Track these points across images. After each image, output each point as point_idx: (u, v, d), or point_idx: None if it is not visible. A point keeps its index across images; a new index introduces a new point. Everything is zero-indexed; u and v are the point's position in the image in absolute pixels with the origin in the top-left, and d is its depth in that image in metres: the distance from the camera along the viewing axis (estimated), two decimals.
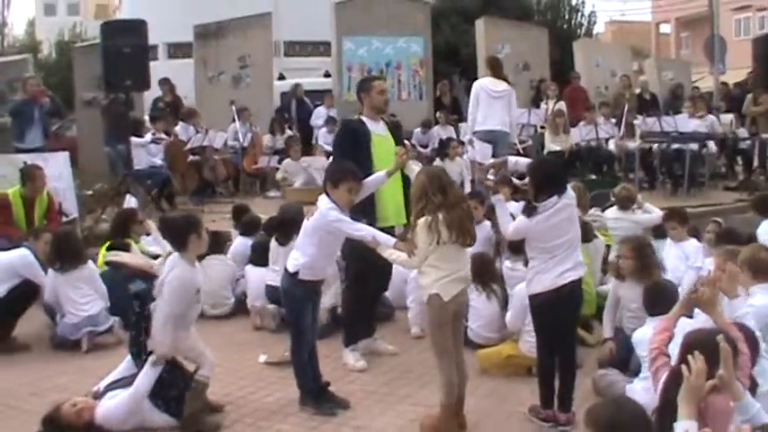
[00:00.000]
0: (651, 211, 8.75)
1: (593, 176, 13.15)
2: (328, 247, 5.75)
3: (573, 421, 5.41)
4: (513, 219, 5.41)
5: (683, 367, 3.55)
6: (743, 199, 12.62)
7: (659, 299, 5.63)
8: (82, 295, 7.52)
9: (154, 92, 14.85)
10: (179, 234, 5.59)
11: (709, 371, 3.67)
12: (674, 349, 4.34)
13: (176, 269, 5.46)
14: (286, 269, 5.77)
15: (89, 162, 12.43)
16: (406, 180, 6.68)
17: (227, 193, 14.27)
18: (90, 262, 7.82)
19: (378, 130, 6.90)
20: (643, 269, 6.31)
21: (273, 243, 8.09)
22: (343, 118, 8.80)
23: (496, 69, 11.08)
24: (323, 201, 5.63)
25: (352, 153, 6.50)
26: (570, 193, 5.31)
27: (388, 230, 6.10)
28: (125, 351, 6.17)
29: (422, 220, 5.16)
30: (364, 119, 6.94)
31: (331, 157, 12.97)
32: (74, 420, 5.42)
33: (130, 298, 5.76)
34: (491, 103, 10.79)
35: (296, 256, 5.71)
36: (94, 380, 6.00)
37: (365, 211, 6.16)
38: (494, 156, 10.81)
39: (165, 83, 14.90)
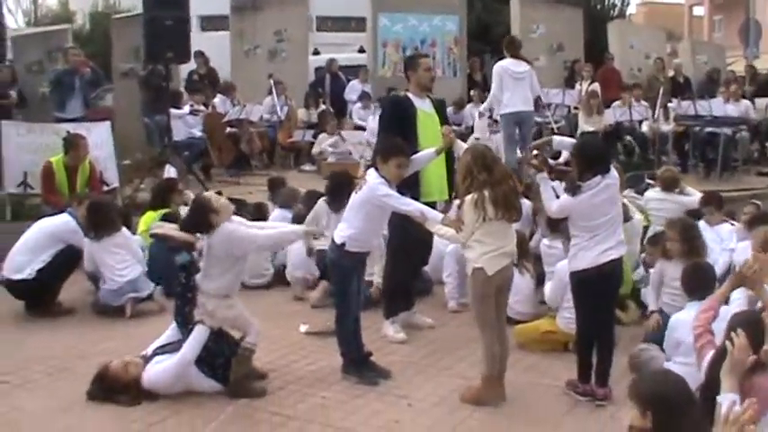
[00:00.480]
0: (692, 194, 8.82)
1: (623, 158, 13.21)
2: (375, 220, 5.86)
3: (610, 396, 5.55)
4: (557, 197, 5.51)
5: (727, 343, 3.64)
6: None
7: (699, 280, 5.71)
8: (119, 260, 7.70)
9: (189, 64, 14.94)
10: (197, 220, 5.74)
11: (753, 349, 3.77)
12: (717, 328, 4.46)
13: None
14: (333, 240, 5.90)
15: (125, 132, 12.53)
16: (449, 157, 6.78)
17: (262, 166, 14.38)
18: (124, 229, 8.01)
19: (424, 107, 6.99)
20: (690, 251, 6.40)
21: (324, 208, 8.21)
22: (391, 94, 8.87)
23: (516, 50, 11.19)
24: (372, 175, 5.75)
25: (399, 129, 6.60)
26: (613, 173, 5.41)
27: (431, 206, 6.18)
28: (168, 317, 6.38)
29: (469, 197, 5.28)
30: (410, 95, 7.03)
31: (365, 133, 13.26)
32: (121, 374, 5.63)
33: (175, 268, 5.88)
34: (515, 84, 10.99)
35: (343, 228, 5.84)
36: (140, 345, 6.15)
37: (409, 185, 6.25)
38: (519, 134, 11.06)
39: (200, 56, 15.00)
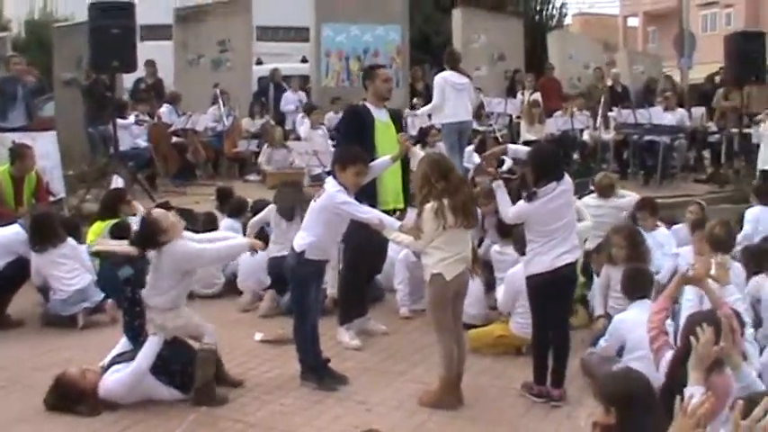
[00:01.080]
0: (626, 195, 9.05)
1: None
2: (334, 228, 5.95)
3: (564, 397, 5.70)
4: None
5: (692, 338, 3.79)
6: (713, 191, 13.02)
7: (636, 283, 5.91)
8: (67, 270, 7.61)
9: (132, 74, 14.80)
10: (145, 240, 5.74)
11: None
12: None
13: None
14: (293, 248, 5.96)
15: (67, 143, 12.30)
16: (405, 165, 6.89)
17: (207, 176, 14.32)
18: (70, 239, 7.88)
19: (381, 117, 7.10)
20: (635, 257, 6.58)
21: (274, 215, 8.25)
22: (350, 104, 8.93)
23: (455, 62, 11.40)
24: (330, 183, 5.83)
25: (357, 138, 6.71)
26: (567, 179, 5.58)
27: (388, 214, 6.28)
28: (120, 327, 6.37)
29: (428, 206, 5.40)
30: (368, 105, 7.15)
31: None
32: (78, 380, 5.61)
33: (121, 283, 5.87)
34: (457, 95, 11.16)
35: (302, 236, 5.91)
36: (94, 356, 6.14)
37: (366, 194, 6.34)
38: (459, 144, 11.26)
39: (151, 65, 14.90)
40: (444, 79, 11.20)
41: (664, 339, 4.61)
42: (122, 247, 5.80)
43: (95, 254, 6.54)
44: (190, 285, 6.07)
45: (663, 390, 4.08)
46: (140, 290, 5.71)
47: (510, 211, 5.61)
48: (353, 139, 6.68)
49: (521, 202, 5.55)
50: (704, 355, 3.77)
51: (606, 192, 8.92)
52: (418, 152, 6.29)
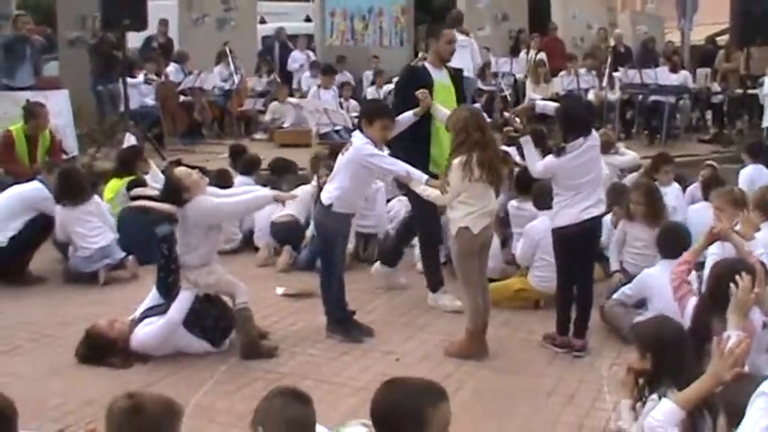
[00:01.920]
0: (626, 154, 9.15)
1: None
2: (361, 180, 6.02)
3: (587, 347, 5.83)
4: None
5: (732, 285, 3.91)
6: (717, 151, 13.14)
7: (674, 240, 5.98)
8: (92, 228, 7.69)
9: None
10: (170, 198, 5.87)
11: None
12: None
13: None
14: (320, 201, 6.05)
15: (73, 102, 12.39)
16: None
17: (213, 134, 14.38)
18: (96, 196, 8.02)
19: (441, 78, 6.87)
20: (653, 213, 6.69)
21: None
22: (409, 64, 8.79)
23: (457, 23, 11.68)
24: (357, 136, 5.91)
25: (414, 100, 6.42)
26: (595, 134, 5.68)
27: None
28: (143, 283, 6.49)
29: (456, 160, 5.49)
30: (428, 66, 6.94)
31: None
32: (106, 331, 5.73)
33: (150, 238, 5.92)
34: (456, 53, 11.19)
35: (329, 189, 5.99)
36: (119, 311, 6.27)
37: (419, 158, 6.34)
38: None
39: (164, 24, 14.86)
40: None
41: (687, 288, 4.77)
42: (161, 204, 5.85)
43: (133, 208, 6.52)
44: (218, 241, 6.16)
45: (690, 334, 4.22)
46: (176, 247, 5.79)
47: (538, 165, 5.70)
48: (409, 101, 6.44)
49: (549, 157, 5.64)
50: (744, 301, 3.89)
51: (604, 148, 8.97)
52: (440, 107, 6.34)
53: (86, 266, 7.65)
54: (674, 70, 14.23)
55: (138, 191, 7.88)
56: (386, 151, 6.12)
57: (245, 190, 6.77)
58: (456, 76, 7.09)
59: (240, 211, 6.60)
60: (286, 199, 6.44)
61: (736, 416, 3.02)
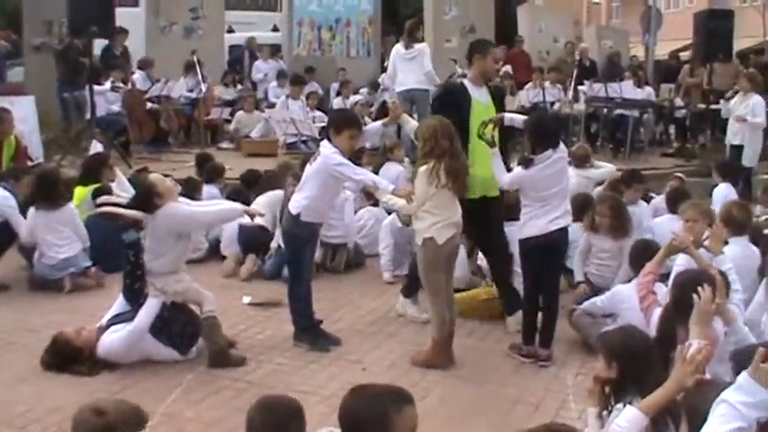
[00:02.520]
0: (601, 167, 9.24)
1: None
2: (329, 190, 6.04)
3: (552, 357, 5.90)
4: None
5: (694, 295, 3.99)
6: (680, 164, 13.33)
7: (645, 257, 6.04)
8: (61, 237, 7.63)
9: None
10: (142, 203, 5.84)
11: None
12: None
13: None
14: (289, 211, 6.06)
15: (39, 108, 12.30)
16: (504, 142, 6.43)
17: (178, 143, 14.32)
18: (71, 203, 7.96)
19: (479, 96, 6.55)
20: (619, 227, 6.79)
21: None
22: (447, 80, 8.71)
23: (409, 35, 11.75)
24: (326, 146, 5.93)
25: (450, 118, 6.04)
26: (562, 147, 5.76)
27: (475, 203, 6.23)
28: (108, 291, 6.47)
29: (422, 168, 5.55)
30: (467, 83, 6.67)
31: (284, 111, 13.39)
32: (73, 338, 5.69)
33: (116, 246, 5.91)
34: (405, 65, 11.56)
35: (298, 198, 6.01)
36: (86, 318, 6.22)
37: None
38: (417, 112, 11.41)
39: (122, 32, 14.75)
40: (395, 50, 11.78)
41: (652, 298, 4.87)
42: (130, 210, 5.82)
43: (100, 214, 6.49)
44: (187, 250, 6.14)
45: (655, 343, 4.30)
46: (143, 254, 5.77)
47: (506, 177, 5.77)
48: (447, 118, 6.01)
49: (517, 169, 5.71)
50: (706, 312, 3.98)
51: (581, 162, 9.09)
52: (409, 119, 6.39)
53: (51, 274, 7.59)
54: (638, 85, 14.40)
55: (104, 198, 7.83)
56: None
57: (215, 202, 6.79)
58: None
59: (210, 221, 6.62)
60: (255, 214, 6.45)
61: (698, 422, 3.08)
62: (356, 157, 7.36)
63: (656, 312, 4.61)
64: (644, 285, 4.92)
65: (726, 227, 5.81)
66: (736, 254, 5.65)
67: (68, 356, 5.65)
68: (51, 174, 8.02)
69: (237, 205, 6.58)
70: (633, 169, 9.01)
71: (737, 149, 11.32)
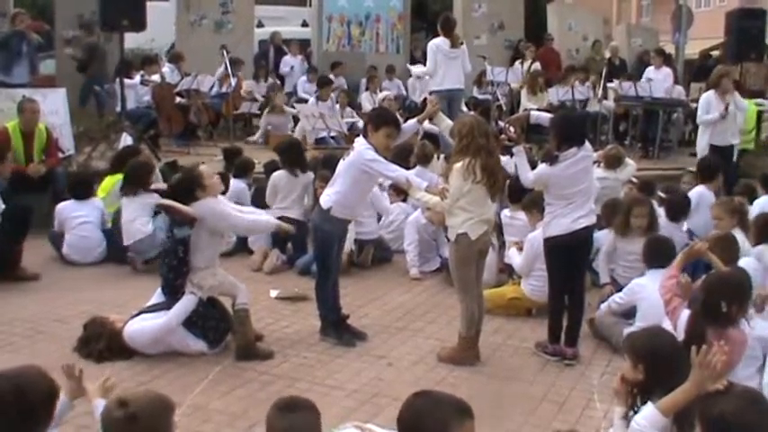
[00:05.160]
0: (626, 164, 9.20)
1: None
2: (361, 185, 6.04)
3: (578, 356, 5.89)
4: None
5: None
6: None
7: (660, 252, 6.08)
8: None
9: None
10: (184, 191, 5.89)
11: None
12: None
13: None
14: (319, 205, 6.09)
15: (71, 100, 12.39)
16: None
17: (206, 137, 14.38)
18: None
19: None
20: (651, 229, 6.82)
21: (282, 178, 8.47)
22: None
23: (450, 30, 11.60)
24: (360, 142, 5.93)
25: None
26: (588, 145, 5.73)
27: None
28: (139, 283, 6.51)
29: (458, 165, 5.54)
30: None
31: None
32: (105, 325, 5.81)
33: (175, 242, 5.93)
34: (448, 64, 11.47)
35: (329, 193, 6.02)
36: (114, 308, 6.34)
37: None
38: (449, 111, 11.42)
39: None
40: (437, 46, 11.50)
41: (678, 302, 4.82)
42: (187, 207, 5.82)
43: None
44: (221, 246, 6.21)
45: (684, 346, 4.27)
46: (190, 251, 5.81)
47: (530, 174, 5.76)
48: None
49: (542, 166, 5.70)
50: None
51: (613, 163, 9.06)
52: (444, 118, 6.38)
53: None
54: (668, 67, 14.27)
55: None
56: None
57: (251, 209, 6.80)
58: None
59: (242, 227, 6.57)
60: (287, 231, 6.48)
61: (720, 425, 3.07)
62: (403, 157, 7.45)
63: (684, 314, 4.57)
64: (668, 288, 4.88)
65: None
66: None
67: (99, 345, 5.72)
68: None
69: (272, 219, 6.60)
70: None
71: None
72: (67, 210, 8.38)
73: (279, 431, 3.13)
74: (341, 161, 6.08)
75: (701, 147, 10.83)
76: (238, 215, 6.11)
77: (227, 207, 6.04)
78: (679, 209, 7.71)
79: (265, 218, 6.53)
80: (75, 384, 3.81)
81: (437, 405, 2.96)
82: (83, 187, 8.64)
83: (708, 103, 10.83)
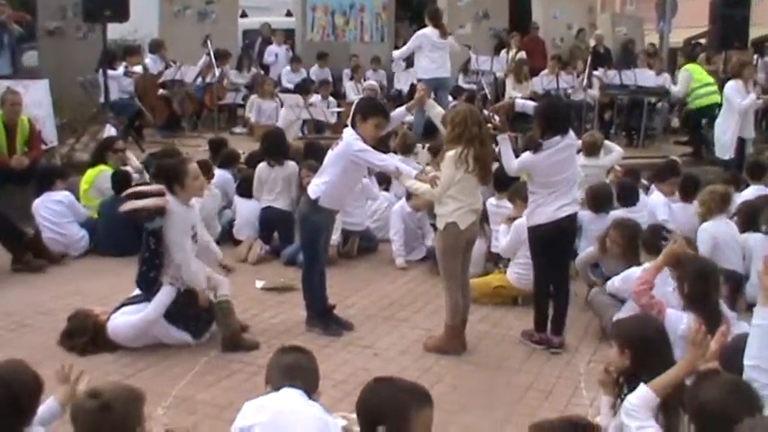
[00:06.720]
0: (612, 150, 9.16)
1: None
2: (350, 176, 6.02)
3: (564, 344, 5.90)
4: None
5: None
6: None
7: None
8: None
9: None
10: (173, 176, 5.76)
11: None
12: None
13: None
14: (307, 195, 6.06)
15: (53, 92, 12.28)
16: None
17: (189, 127, 14.29)
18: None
19: None
20: (630, 255, 6.13)
21: (264, 170, 8.46)
22: None
23: (438, 20, 11.85)
24: (348, 132, 5.90)
25: None
26: (572, 134, 5.74)
27: None
28: (122, 274, 6.52)
29: (450, 153, 5.52)
30: None
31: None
32: (88, 315, 5.79)
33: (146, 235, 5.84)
34: (435, 53, 11.61)
35: (317, 183, 6.00)
36: (98, 300, 6.33)
37: None
38: (436, 98, 11.43)
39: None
40: (425, 35, 11.69)
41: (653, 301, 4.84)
42: (152, 201, 5.69)
43: (125, 214, 6.43)
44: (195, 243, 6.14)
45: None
46: (162, 243, 5.72)
47: (514, 162, 5.75)
48: None
49: (526, 154, 5.69)
50: None
51: (591, 150, 9.02)
52: (434, 103, 6.36)
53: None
54: (658, 73, 14.29)
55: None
56: None
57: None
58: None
59: (184, 270, 6.01)
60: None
61: (702, 414, 3.10)
62: (382, 142, 7.49)
63: (669, 312, 4.62)
64: (641, 293, 4.89)
65: None
66: None
67: (83, 338, 5.69)
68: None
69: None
70: (669, 161, 8.93)
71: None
72: (38, 208, 8.19)
73: (284, 365, 3.54)
74: (329, 151, 6.05)
75: (725, 143, 11.04)
76: (188, 259, 5.79)
77: (188, 237, 5.82)
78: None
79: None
80: (69, 389, 3.72)
81: (396, 391, 3.00)
82: (46, 179, 8.44)
83: (737, 92, 11.04)
